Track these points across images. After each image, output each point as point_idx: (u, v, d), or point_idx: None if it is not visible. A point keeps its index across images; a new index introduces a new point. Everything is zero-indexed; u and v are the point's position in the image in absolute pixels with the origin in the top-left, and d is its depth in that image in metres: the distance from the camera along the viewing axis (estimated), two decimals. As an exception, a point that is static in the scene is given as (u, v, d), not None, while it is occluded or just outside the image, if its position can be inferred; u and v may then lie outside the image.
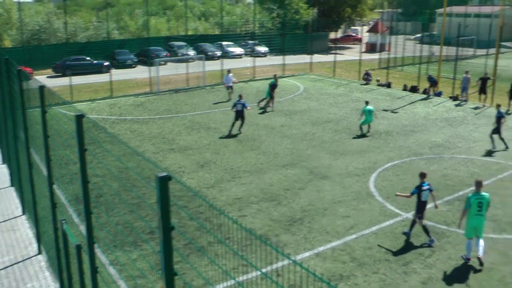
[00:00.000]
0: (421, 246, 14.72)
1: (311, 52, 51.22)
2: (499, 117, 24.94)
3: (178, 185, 7.58)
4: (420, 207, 14.84)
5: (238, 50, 62.86)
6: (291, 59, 54.05)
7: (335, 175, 20.54)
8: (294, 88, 40.27)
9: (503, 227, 16.36)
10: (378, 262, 13.79)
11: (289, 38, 59.60)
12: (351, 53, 69.38)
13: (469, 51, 68.86)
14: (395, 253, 14.31)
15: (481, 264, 13.60)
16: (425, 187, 14.79)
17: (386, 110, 32.50)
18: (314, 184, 19.43)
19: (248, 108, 26.64)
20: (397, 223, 16.27)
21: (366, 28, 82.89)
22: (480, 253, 13.67)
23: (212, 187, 19.05)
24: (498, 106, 26.13)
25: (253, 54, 50.53)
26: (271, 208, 17.12)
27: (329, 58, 59.07)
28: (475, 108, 34.24)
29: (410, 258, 14.07)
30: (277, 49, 57.67)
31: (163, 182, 4.45)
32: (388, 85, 41.92)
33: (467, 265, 13.76)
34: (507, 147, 24.72)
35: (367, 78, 43.74)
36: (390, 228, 15.91)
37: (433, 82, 38.46)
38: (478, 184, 13.96)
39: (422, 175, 14.94)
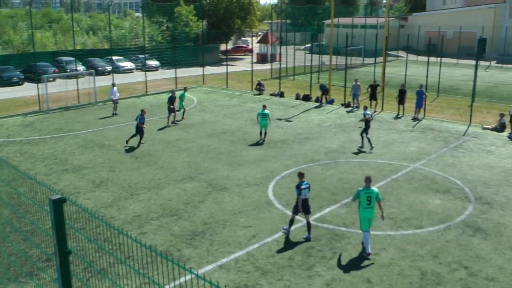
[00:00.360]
0: (323, 250, 15.05)
1: (203, 64, 51.26)
2: (366, 117, 26.46)
3: (74, 207, 7.31)
4: (300, 204, 15.64)
5: (129, 64, 61.83)
6: (183, 72, 53.92)
7: (234, 186, 20.64)
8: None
9: (399, 224, 17.10)
10: (282, 269, 13.96)
11: (180, 51, 59.34)
12: (243, 64, 70.22)
13: (358, 60, 71.60)
14: (298, 259, 14.55)
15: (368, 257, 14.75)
16: (303, 186, 15.66)
17: (280, 119, 33.07)
18: (214, 196, 19.42)
19: (142, 125, 26.51)
20: (298, 229, 16.55)
21: (256, 39, 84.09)
22: (368, 250, 14.84)
23: (110, 206, 18.58)
24: (365, 107, 27.92)
25: (145, 68, 49.84)
26: (171, 223, 16.93)
27: (221, 69, 59.40)
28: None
29: (313, 262, 14.35)
30: (168, 63, 57.24)
31: (57, 205, 4.28)
32: (281, 95, 42.71)
33: (368, 262, 14.23)
34: (372, 147, 26.29)
35: (259, 88, 44.34)
36: (291, 234, 16.16)
37: (325, 90, 39.59)
38: (368, 180, 15.04)
39: (301, 175, 15.95)
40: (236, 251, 15.00)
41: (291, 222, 16.10)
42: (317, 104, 39.37)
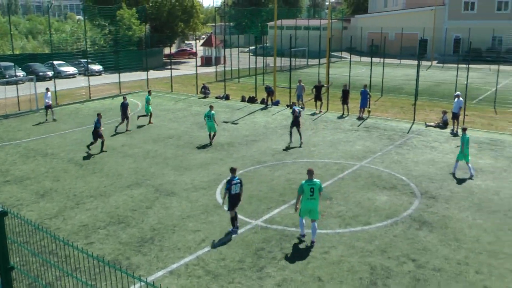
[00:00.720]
0: (273, 251, 15.06)
1: (146, 69, 50.75)
2: (294, 112, 27.53)
3: (16, 219, 7.06)
4: (231, 199, 16.19)
5: (71, 69, 60.64)
6: (127, 77, 53.26)
7: (182, 190, 20.47)
8: (132, 106, 39.59)
9: (347, 221, 17.31)
10: (233, 271, 13.91)
11: (123, 55, 58.49)
12: (187, 68, 69.86)
13: (302, 61, 72.28)
14: (249, 261, 14.52)
15: (312, 243, 15.57)
16: (235, 181, 16.25)
17: (226, 122, 33.02)
18: (161, 202, 19.21)
19: (98, 130, 25.98)
20: (248, 231, 16.54)
21: (200, 42, 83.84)
22: (313, 238, 15.63)
23: (55, 217, 18.11)
24: (294, 104, 29.53)
25: (87, 73, 49.00)
26: (119, 231, 16.64)
27: (165, 73, 58.96)
28: (312, 114, 35.86)
29: (263, 264, 14.35)
30: (111, 67, 56.38)
31: (-2, 219, 4.10)
32: (227, 97, 42.68)
33: (318, 261, 14.32)
34: (291, 143, 27.28)
35: (204, 91, 44.18)
36: (241, 237, 16.12)
37: (270, 92, 39.77)
38: (310, 172, 15.74)
39: (232, 170, 16.56)
40: (186, 256, 14.86)
41: (233, 221, 16.52)
42: (262, 106, 39.51)
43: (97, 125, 25.87)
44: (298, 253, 15.02)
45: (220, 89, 46.12)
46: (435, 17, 79.78)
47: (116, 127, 31.04)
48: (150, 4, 76.21)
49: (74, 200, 19.62)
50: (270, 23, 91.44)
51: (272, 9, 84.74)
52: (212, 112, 27.56)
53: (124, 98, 31.57)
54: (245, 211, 18.13)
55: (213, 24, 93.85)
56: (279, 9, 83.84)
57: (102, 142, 26.28)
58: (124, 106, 30.81)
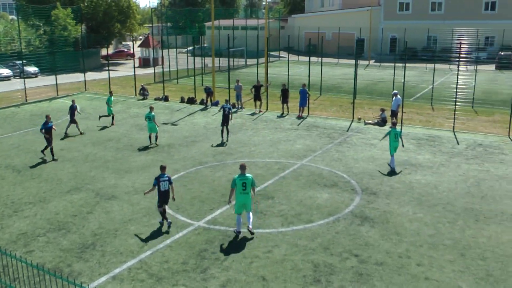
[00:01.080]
0: (216, 252, 15.00)
1: (84, 70, 49.77)
2: (224, 109, 28.48)
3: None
4: (160, 196, 16.62)
5: (5, 71, 58.80)
6: (64, 79, 52.12)
7: (123, 193, 20.14)
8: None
9: (290, 220, 17.40)
10: (177, 273, 13.78)
11: (59, 56, 57.07)
12: (125, 69, 68.96)
13: (241, 61, 72.34)
14: (192, 262, 14.41)
15: (251, 233, 16.01)
16: (163, 178, 16.62)
17: (166, 124, 32.71)
18: (102, 206, 18.85)
19: (45, 133, 25.01)
20: (190, 232, 16.43)
21: (137, 43, 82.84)
22: (250, 224, 15.99)
23: (-10, 224, 17.54)
24: (226, 101, 30.25)
25: (23, 75, 47.65)
26: (60, 238, 16.21)
27: (103, 75, 57.99)
28: (252, 114, 35.95)
29: (207, 265, 14.27)
30: (48, 69, 54.91)
31: None
32: (166, 99, 42.30)
33: (262, 261, 14.34)
34: (224, 141, 28.05)
35: (143, 93, 43.67)
36: (184, 238, 16.00)
37: (209, 92, 39.63)
38: (242, 167, 16.13)
39: (162, 168, 16.90)
40: (128, 260, 14.62)
41: (163, 215, 16.93)
42: (202, 106, 39.34)
43: (42, 127, 24.99)
44: (242, 253, 15.01)
45: (159, 91, 45.67)
46: (371, 17, 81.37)
47: (66, 131, 30.33)
48: (86, 4, 74.66)
49: (12, 208, 18.99)
50: (208, 24, 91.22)
51: (209, 10, 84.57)
52: (152, 113, 27.26)
53: (73, 101, 30.96)
54: (188, 213, 18.02)
55: (150, 25, 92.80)
56: (216, 10, 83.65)
57: (51, 149, 25.27)
58: (72, 109, 30.21)
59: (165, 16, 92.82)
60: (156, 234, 16.36)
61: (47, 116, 25.49)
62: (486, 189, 20.72)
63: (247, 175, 16.04)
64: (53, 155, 25.09)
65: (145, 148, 26.81)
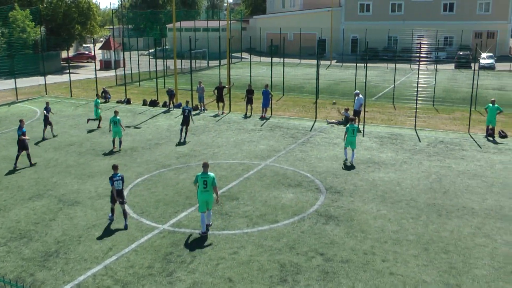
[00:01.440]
0: (182, 254, 14.92)
1: (44, 73, 49.01)
2: (184, 110, 29.00)
3: None
4: (115, 194, 17.10)
5: (-39, 75, 57.58)
6: (23, 82, 51.30)
7: (86, 199, 19.87)
8: (31, 113, 38.10)
9: (255, 221, 17.41)
10: (142, 278, 13.65)
11: (18, 59, 56.03)
12: (86, 72, 68.18)
13: (203, 63, 72.14)
14: (158, 266, 14.31)
15: (208, 228, 16.60)
16: (116, 178, 17.07)
17: (129, 127, 32.40)
18: (65, 212, 18.55)
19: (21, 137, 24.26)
20: (155, 236, 16.30)
21: (98, 45, 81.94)
22: (209, 221, 16.77)
23: (-51, 232, 17.11)
24: (187, 102, 30.85)
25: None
26: (21, 247, 15.87)
27: (64, 78, 57.32)
28: (215, 116, 35.88)
29: (173, 268, 14.18)
30: (6, 72, 53.84)
31: None
32: (128, 101, 41.94)
33: (228, 262, 14.31)
34: (182, 141, 28.31)
35: (105, 96, 43.21)
36: (149, 242, 15.86)
37: (172, 94, 39.41)
38: (205, 165, 16.42)
39: (114, 167, 17.41)
40: (93, 266, 14.42)
41: (112, 211, 17.49)
42: (165, 109, 39.11)
43: (19, 132, 24.30)
44: (207, 255, 14.96)
45: (121, 93, 45.27)
46: (332, 18, 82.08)
47: (46, 134, 30.06)
48: (45, 5, 73.54)
49: (-30, 215, 18.59)
50: (169, 25, 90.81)
51: (170, 11, 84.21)
52: (118, 117, 26.81)
53: (47, 104, 30.74)
54: (152, 216, 17.88)
55: (111, 27, 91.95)
56: (177, 11, 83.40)
57: (28, 155, 24.60)
58: (46, 111, 30.02)
59: (126, 18, 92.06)
60: (121, 239, 16.19)
61: (21, 121, 24.91)
62: (448, 184, 21.10)
63: (209, 173, 16.25)
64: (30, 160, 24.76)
65: (109, 152, 26.48)
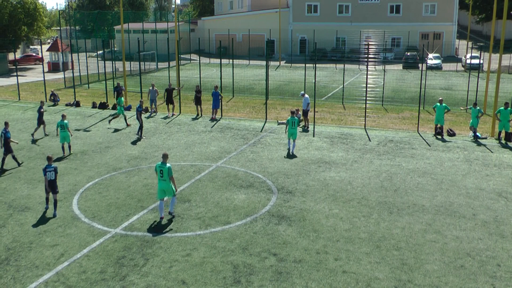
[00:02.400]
0: (135, 258, 14.81)
1: (-11, 77, 47.88)
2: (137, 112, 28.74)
3: None
4: (49, 184, 18.21)
5: None
6: (-33, 87, 49.94)
7: (36, 204, 19.47)
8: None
9: (208, 222, 17.42)
10: (95, 283, 13.49)
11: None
12: (34, 74, 66.78)
13: (152, 65, 71.55)
14: (111, 270, 14.16)
15: (172, 216, 17.95)
16: (49, 169, 18.13)
17: (78, 130, 31.90)
18: (15, 218, 18.13)
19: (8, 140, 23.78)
20: (107, 240, 16.13)
21: (46, 46, 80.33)
22: (171, 209, 18.00)
23: None
24: (141, 101, 30.82)
25: None
26: (-32, 252, 15.51)
27: (11, 81, 56.12)
28: (165, 118, 35.67)
29: (126, 272, 14.06)
30: None
31: None
32: (77, 104, 41.29)
33: (181, 265, 14.27)
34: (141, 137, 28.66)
35: (54, 99, 42.42)
36: (101, 247, 15.68)
37: (119, 91, 38.50)
38: (164, 156, 17.59)
39: (48, 159, 18.49)
40: (44, 273, 14.15)
41: (47, 200, 18.64)
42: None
43: (8, 135, 23.67)
44: (160, 258, 14.88)
45: (70, 96, 44.57)
46: (280, 19, 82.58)
47: (32, 134, 30.08)
48: (-11, 6, 71.75)
49: None
50: (117, 27, 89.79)
51: (118, 13, 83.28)
52: (65, 121, 26.06)
53: (42, 103, 30.96)
54: (104, 220, 17.68)
55: (58, 28, 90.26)
56: (125, 12, 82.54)
57: (6, 154, 24.10)
58: (40, 112, 29.94)
59: (73, 19, 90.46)
60: (73, 244, 15.95)
61: (6, 124, 24.35)
62: (398, 182, 21.54)
63: (165, 164, 17.40)
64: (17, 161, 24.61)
65: (60, 157, 25.79)
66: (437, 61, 70.11)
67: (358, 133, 30.62)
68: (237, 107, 40.01)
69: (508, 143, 28.36)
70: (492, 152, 26.62)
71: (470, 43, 77.80)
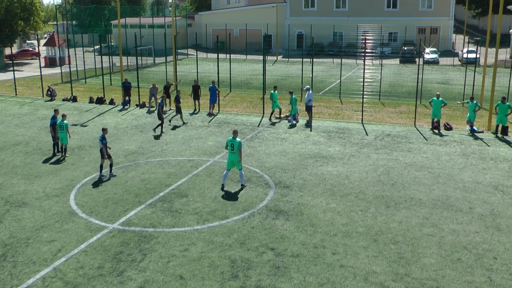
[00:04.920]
0: (132, 253, 14.81)
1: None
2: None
3: None
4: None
5: None
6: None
7: (33, 199, 19.46)
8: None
9: (205, 217, 17.44)
10: (93, 279, 13.49)
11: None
12: (31, 69, 66.63)
13: (149, 60, 71.43)
14: (108, 266, 14.16)
15: (244, 186, 20.32)
16: (100, 139, 20.87)
17: (75, 125, 31.87)
18: (13, 214, 18.11)
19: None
20: (105, 235, 16.13)
21: (42, 41, 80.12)
22: (242, 181, 20.33)
23: None
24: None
25: None
26: (-35, 248, 15.49)
27: (8, 76, 56.02)
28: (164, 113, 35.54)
29: (123, 267, 14.06)
30: None
31: None
32: (74, 99, 41.21)
33: (179, 260, 14.28)
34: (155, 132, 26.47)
35: (51, 94, 42.34)
36: (98, 242, 15.68)
37: (127, 87, 38.30)
38: (234, 132, 19.91)
39: (103, 130, 21.28)
40: (42, 269, 14.14)
41: (101, 168, 21.66)
42: (111, 106, 38.55)
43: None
44: (158, 253, 14.89)
45: (67, 91, 44.48)
46: (277, 14, 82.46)
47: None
48: (-15, 1, 71.42)
49: None
50: (114, 22, 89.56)
51: (115, 7, 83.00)
52: (65, 121, 24.92)
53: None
54: (101, 216, 17.67)
55: (55, 23, 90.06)
56: (122, 7, 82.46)
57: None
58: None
59: (70, 13, 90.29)
60: (70, 239, 15.94)
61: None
62: (395, 176, 21.57)
63: (236, 139, 19.68)
64: None
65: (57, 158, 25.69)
66: (434, 56, 70.12)
67: (355, 128, 30.64)
68: (234, 102, 39.98)
69: (505, 136, 28.43)
70: (488, 146, 26.68)
71: (466, 38, 77.70)
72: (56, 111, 25.98)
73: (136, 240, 15.83)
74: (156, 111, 33.80)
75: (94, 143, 27.39)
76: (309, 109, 31.72)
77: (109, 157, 21.84)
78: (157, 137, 28.43)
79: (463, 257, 14.61)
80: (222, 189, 19.99)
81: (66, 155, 25.33)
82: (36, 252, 15.18)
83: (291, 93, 32.85)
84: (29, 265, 14.37)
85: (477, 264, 14.18)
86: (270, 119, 32.51)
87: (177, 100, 30.90)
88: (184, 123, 31.77)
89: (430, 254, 14.76)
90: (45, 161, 24.42)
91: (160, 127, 29.52)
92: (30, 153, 25.83)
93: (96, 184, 21.00)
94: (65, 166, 23.55)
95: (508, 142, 27.37)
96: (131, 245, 15.47)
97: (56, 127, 24.93)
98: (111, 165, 21.93)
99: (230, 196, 19.41)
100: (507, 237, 15.92)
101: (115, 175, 21.87)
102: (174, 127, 30.82)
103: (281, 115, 33.42)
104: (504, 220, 17.23)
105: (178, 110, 31.12)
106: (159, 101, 30.34)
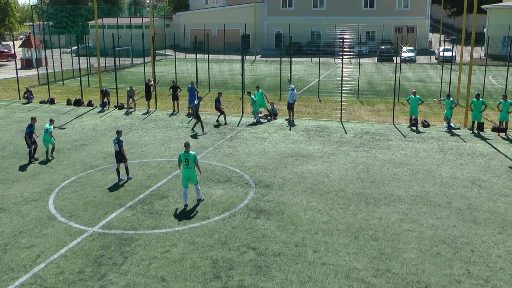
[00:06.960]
0: (113, 257, 14.71)
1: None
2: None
3: None
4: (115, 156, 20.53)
5: None
6: None
7: (11, 205, 19.19)
8: None
9: (186, 218, 17.36)
10: (73, 284, 13.36)
11: None
12: (7, 71, 65.92)
13: (127, 61, 71.01)
14: (89, 270, 14.05)
15: (200, 201, 18.88)
16: (114, 141, 20.46)
17: (54, 127, 31.52)
18: (-11, 218, 17.92)
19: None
20: (85, 239, 15.99)
21: (18, 42, 79.24)
22: (198, 196, 18.81)
23: None
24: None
25: None
26: None
27: (-18, 80, 55.31)
28: (143, 114, 35.43)
29: (104, 271, 13.96)
30: None
31: None
32: (52, 101, 40.84)
33: (160, 262, 14.22)
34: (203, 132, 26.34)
35: (28, 96, 41.90)
36: (78, 246, 15.54)
37: (106, 94, 38.10)
38: (186, 145, 18.43)
39: (117, 132, 20.67)
40: (21, 275, 13.94)
41: (118, 172, 21.35)
42: (89, 108, 38.23)
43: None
44: (139, 255, 14.80)
45: (44, 93, 44.06)
46: (255, 14, 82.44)
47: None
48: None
49: None
50: (91, 22, 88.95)
51: (92, 7, 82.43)
52: (52, 126, 24.81)
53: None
54: (81, 219, 17.52)
55: (31, 23, 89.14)
56: (99, 7, 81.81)
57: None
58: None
59: (47, 14, 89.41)
60: (49, 245, 15.77)
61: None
62: (375, 174, 21.71)
63: (190, 152, 18.17)
64: None
65: (43, 161, 25.33)
66: (411, 54, 70.70)
67: (334, 126, 30.77)
68: (214, 102, 39.85)
69: (481, 132, 28.76)
70: (465, 141, 26.97)
71: (442, 36, 78.58)
72: (33, 119, 25.33)
73: (116, 243, 15.72)
74: (190, 113, 34.18)
75: (72, 146, 27.16)
76: (290, 107, 31.80)
77: (125, 160, 21.42)
78: (139, 139, 28.28)
79: (442, 251, 14.76)
80: (185, 209, 18.24)
81: (53, 155, 25.18)
82: (15, 258, 14.97)
83: (249, 93, 32.94)
84: (8, 272, 14.15)
85: (455, 257, 14.35)
86: (257, 120, 32.44)
87: (196, 108, 30.09)
88: (204, 133, 29.88)
89: (410, 249, 14.88)
90: (23, 165, 24.14)
91: (201, 125, 29.90)
92: (7, 157, 25.52)
93: (75, 187, 20.83)
94: (43, 169, 23.32)
95: (484, 138, 27.70)
96: (111, 248, 15.37)
97: (33, 135, 24.56)
98: (127, 169, 21.61)
99: (210, 197, 19.36)
100: (484, 230, 16.13)
101: (131, 178, 21.71)
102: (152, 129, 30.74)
103: (262, 115, 33.47)
104: (481, 213, 17.46)
105: (198, 117, 30.05)
106: (195, 101, 29.91)
